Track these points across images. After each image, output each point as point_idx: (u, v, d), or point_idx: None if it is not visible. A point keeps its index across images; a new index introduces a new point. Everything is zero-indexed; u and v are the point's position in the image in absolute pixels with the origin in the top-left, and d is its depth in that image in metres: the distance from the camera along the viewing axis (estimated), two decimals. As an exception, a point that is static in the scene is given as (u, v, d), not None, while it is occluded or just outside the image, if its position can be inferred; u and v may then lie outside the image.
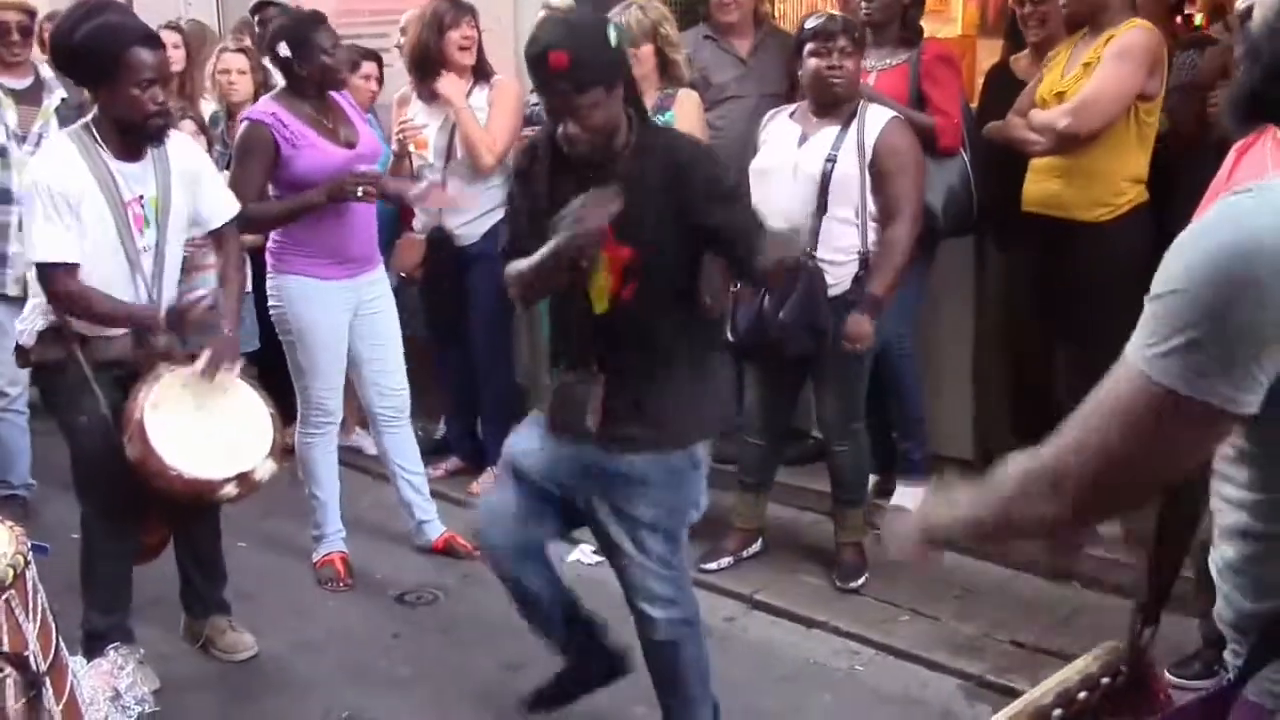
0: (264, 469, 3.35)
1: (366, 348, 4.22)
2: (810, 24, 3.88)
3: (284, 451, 3.60)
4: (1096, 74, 3.71)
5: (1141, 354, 1.24)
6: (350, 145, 4.03)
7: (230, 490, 3.29)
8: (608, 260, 2.69)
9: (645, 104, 2.90)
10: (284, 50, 3.95)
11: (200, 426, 3.31)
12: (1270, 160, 2.73)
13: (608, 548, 2.91)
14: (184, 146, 3.50)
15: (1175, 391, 1.21)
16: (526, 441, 2.95)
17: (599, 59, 2.59)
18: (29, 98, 4.59)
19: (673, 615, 2.88)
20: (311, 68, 3.95)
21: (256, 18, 5.84)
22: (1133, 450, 1.26)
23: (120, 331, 3.35)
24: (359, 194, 3.92)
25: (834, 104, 3.83)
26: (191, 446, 3.25)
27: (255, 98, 5.08)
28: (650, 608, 2.86)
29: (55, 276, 3.22)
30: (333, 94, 4.11)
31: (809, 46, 3.83)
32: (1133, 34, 3.72)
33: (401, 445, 4.39)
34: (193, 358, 3.40)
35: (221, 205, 3.57)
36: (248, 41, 5.54)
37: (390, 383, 4.30)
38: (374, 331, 4.21)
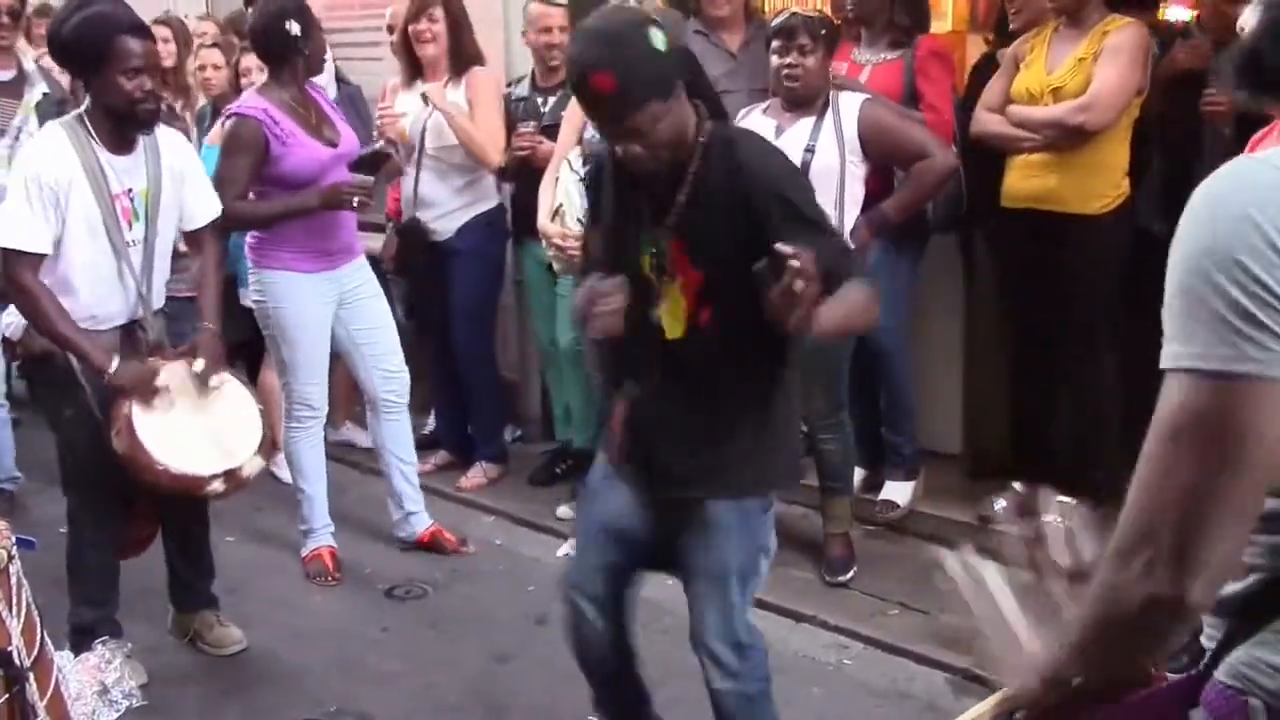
0: (252, 466, 3.35)
1: (360, 334, 4.21)
2: (774, 22, 3.90)
3: (272, 446, 3.60)
4: (1104, 69, 3.74)
5: (1172, 356, 1.17)
6: (333, 144, 4.03)
7: (218, 486, 3.29)
8: (681, 284, 2.44)
9: (719, 100, 2.57)
10: (294, 29, 3.93)
11: (189, 422, 3.31)
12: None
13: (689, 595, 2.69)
14: (174, 142, 3.49)
15: (1213, 371, 1.14)
16: (603, 495, 2.71)
17: (646, 73, 2.25)
18: (10, 90, 4.57)
19: (735, 688, 2.63)
20: (313, 47, 3.97)
21: (250, 10, 5.83)
22: (1206, 462, 1.15)
23: (108, 325, 3.35)
24: (354, 204, 3.92)
25: (799, 101, 3.85)
26: (180, 442, 3.24)
27: (234, 90, 5.08)
28: (716, 678, 2.62)
29: (18, 265, 3.20)
30: (310, 89, 4.11)
31: (773, 45, 3.85)
32: (1130, 29, 3.80)
33: (399, 434, 4.39)
34: (183, 354, 3.40)
35: (205, 206, 3.57)
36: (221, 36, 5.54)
37: (389, 365, 4.29)
38: (364, 317, 4.21)
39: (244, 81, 4.85)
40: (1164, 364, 1.19)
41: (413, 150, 4.63)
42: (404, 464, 4.43)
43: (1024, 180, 3.93)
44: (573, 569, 2.81)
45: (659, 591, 2.79)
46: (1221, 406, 1.15)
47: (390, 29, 4.93)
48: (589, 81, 2.25)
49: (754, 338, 2.35)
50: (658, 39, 2.27)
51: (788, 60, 3.79)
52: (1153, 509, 1.18)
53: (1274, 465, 1.17)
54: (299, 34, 3.93)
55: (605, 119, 2.34)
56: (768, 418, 2.55)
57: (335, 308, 4.14)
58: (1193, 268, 1.17)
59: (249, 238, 4.13)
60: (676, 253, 2.43)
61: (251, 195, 3.99)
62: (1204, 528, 1.16)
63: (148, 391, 3.25)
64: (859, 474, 4.38)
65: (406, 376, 4.35)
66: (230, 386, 3.48)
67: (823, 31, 3.81)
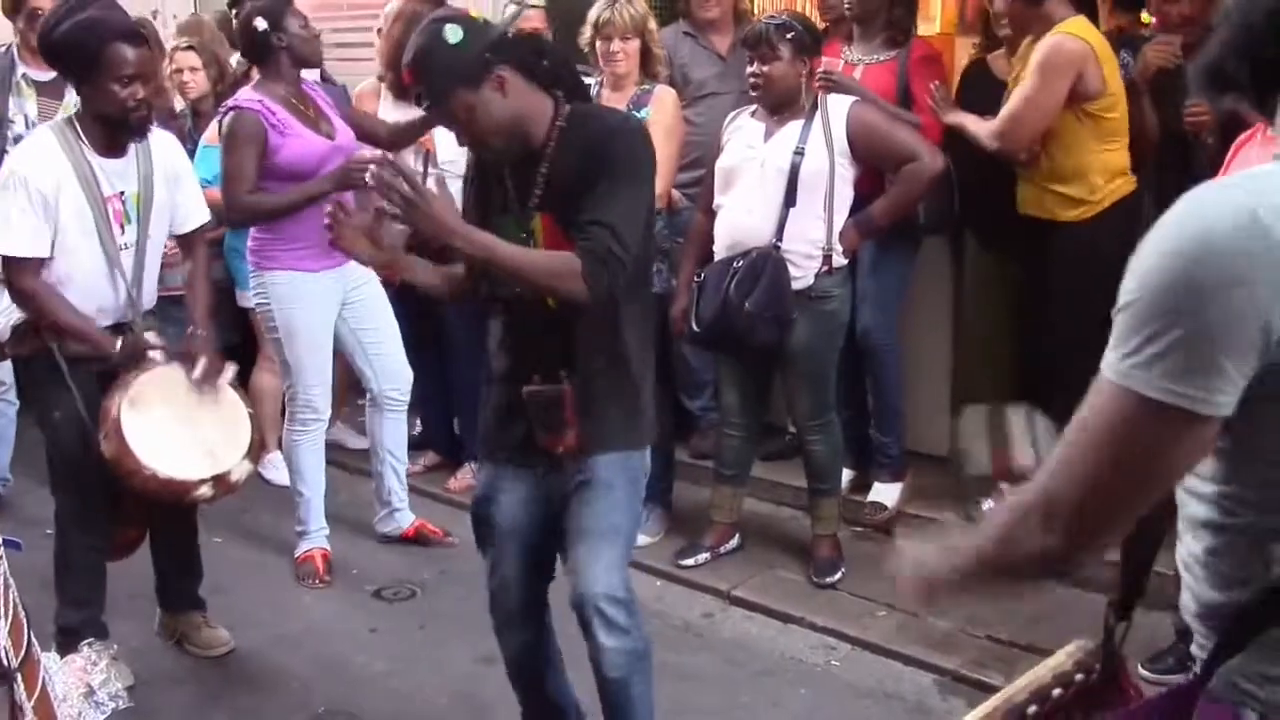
0: (240, 470, 3.33)
1: (364, 332, 4.23)
2: (745, 32, 3.91)
3: (261, 449, 3.58)
4: (1017, 90, 3.72)
5: (1114, 366, 1.23)
6: (330, 137, 4.04)
7: (206, 491, 3.28)
8: None
9: (581, 82, 2.70)
10: (260, 24, 3.95)
11: (178, 426, 3.29)
12: (1256, 159, 2.74)
13: (570, 567, 2.75)
14: (167, 145, 3.48)
15: (1149, 398, 1.19)
16: (499, 499, 2.80)
17: (441, 64, 2.45)
18: (51, 90, 4.56)
19: (624, 645, 2.70)
20: (289, 38, 3.96)
21: (235, 11, 5.81)
22: (1120, 466, 1.24)
23: (98, 326, 3.34)
24: (367, 180, 3.90)
25: (772, 107, 3.86)
26: (168, 446, 3.23)
27: (215, 93, 5.06)
28: (604, 635, 2.67)
29: (21, 271, 3.21)
30: (306, 86, 4.12)
31: (747, 54, 3.87)
32: (1050, 43, 3.69)
33: (395, 431, 4.42)
34: (176, 357, 3.39)
35: (195, 210, 3.56)
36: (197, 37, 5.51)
37: (392, 364, 4.32)
38: (367, 314, 4.22)
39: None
40: (1104, 369, 1.25)
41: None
42: (397, 462, 4.45)
43: (1023, 187, 3.92)
44: (491, 585, 2.86)
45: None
46: (1146, 428, 1.22)
47: (380, 33, 4.91)
48: (401, 77, 2.57)
49: (620, 296, 2.55)
50: (453, 34, 2.46)
51: (751, 69, 3.81)
52: (1062, 484, 1.28)
53: (1178, 477, 1.29)
54: (266, 28, 3.95)
55: (423, 107, 2.60)
56: (635, 375, 2.67)
57: (339, 306, 4.15)
58: (1148, 292, 1.20)
59: (250, 239, 4.12)
60: (548, 227, 2.56)
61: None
62: (1102, 512, 1.27)
63: (141, 357, 3.30)
64: (847, 475, 4.39)
65: (409, 374, 4.37)
66: (220, 388, 3.48)
67: (789, 35, 3.77)
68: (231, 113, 3.97)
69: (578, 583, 2.68)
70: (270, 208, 3.98)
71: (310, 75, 4.52)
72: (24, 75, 4.53)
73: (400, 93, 4.63)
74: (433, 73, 2.46)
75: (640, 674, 2.76)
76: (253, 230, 4.10)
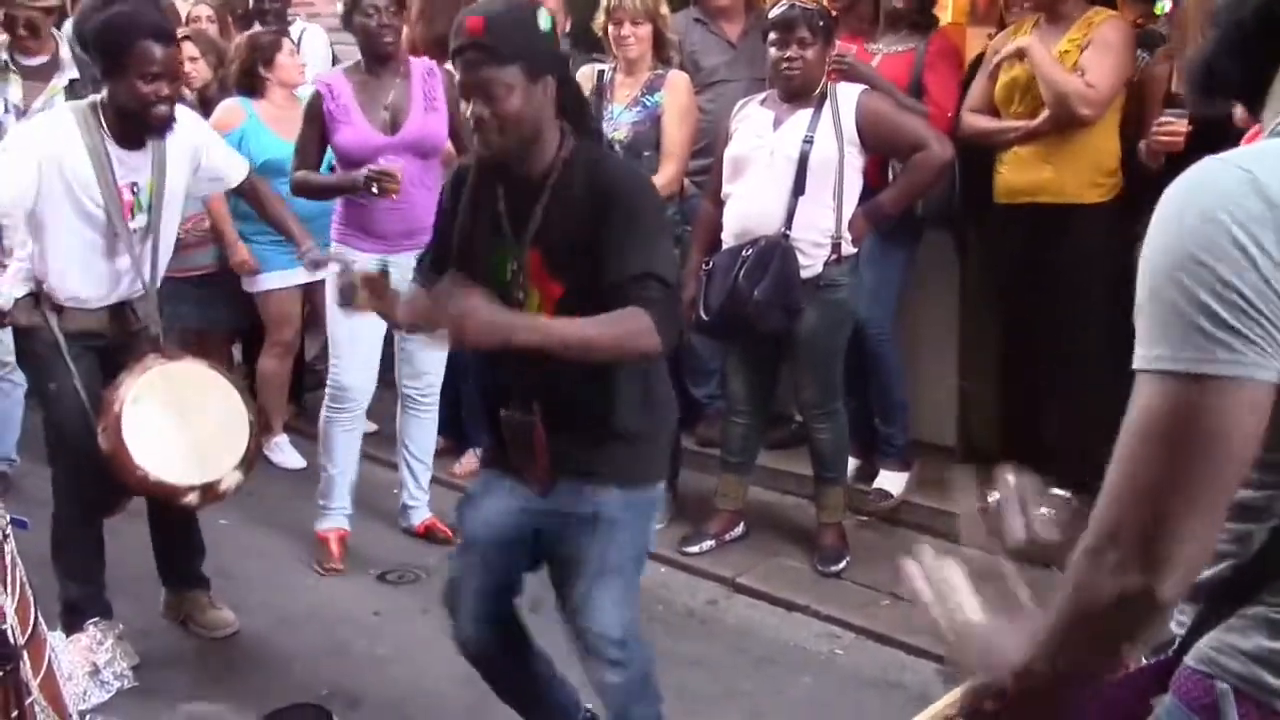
0: (230, 480, 3.31)
1: None
2: (773, 13, 3.88)
3: (257, 454, 3.57)
4: (1100, 63, 3.74)
5: (1143, 357, 1.19)
6: (392, 131, 3.99)
7: (194, 499, 3.28)
8: (539, 295, 2.46)
9: (592, 122, 2.63)
10: (338, 6, 4.00)
11: (176, 428, 3.27)
12: None
13: (564, 600, 2.70)
14: (183, 123, 3.41)
15: (1183, 374, 1.15)
16: (484, 503, 2.72)
17: (520, 34, 2.33)
18: (40, 74, 4.57)
19: (622, 679, 2.66)
20: (356, 27, 3.97)
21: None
22: (1175, 460, 1.16)
23: (96, 305, 3.36)
24: (374, 190, 3.89)
25: (796, 93, 3.85)
26: (164, 447, 3.21)
27: (219, 80, 5.02)
28: (603, 671, 2.66)
29: None
30: (419, 73, 4.07)
31: (770, 36, 3.85)
32: (1117, 23, 3.82)
33: (419, 430, 4.39)
34: (178, 343, 3.40)
35: (232, 166, 3.61)
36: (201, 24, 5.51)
37: (422, 364, 4.27)
38: None
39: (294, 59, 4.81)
40: (1135, 365, 1.20)
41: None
42: (416, 460, 4.43)
43: (1019, 174, 3.92)
44: (452, 594, 2.79)
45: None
46: (1190, 407, 1.16)
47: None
48: (464, 22, 2.32)
49: None
50: (544, 20, 2.36)
51: (787, 53, 3.79)
52: (1122, 508, 1.19)
53: (1241, 464, 1.17)
54: (346, 10, 3.98)
55: (468, 66, 2.35)
56: (634, 417, 2.55)
57: None
58: (1162, 271, 1.18)
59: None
60: (536, 265, 2.46)
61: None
62: (1172, 527, 1.16)
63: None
64: (853, 464, 4.39)
65: (437, 377, 4.33)
66: (225, 391, 3.43)
67: (821, 23, 3.81)
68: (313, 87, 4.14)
69: (578, 616, 2.64)
70: (305, 186, 4.06)
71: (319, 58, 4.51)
72: (5, 61, 4.52)
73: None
74: (505, 33, 2.31)
75: (641, 699, 2.73)
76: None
